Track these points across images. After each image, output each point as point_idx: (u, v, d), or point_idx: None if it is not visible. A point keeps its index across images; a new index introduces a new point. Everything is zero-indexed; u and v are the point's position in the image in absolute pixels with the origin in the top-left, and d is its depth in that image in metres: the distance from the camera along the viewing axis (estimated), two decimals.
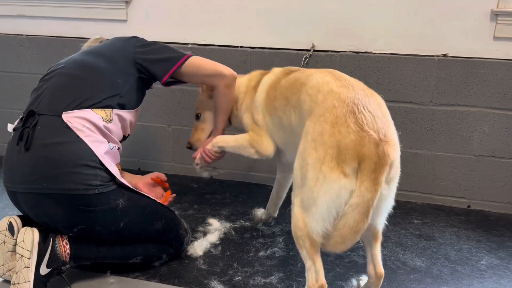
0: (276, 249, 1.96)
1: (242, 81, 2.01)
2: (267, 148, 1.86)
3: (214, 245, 1.99)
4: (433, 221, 2.32)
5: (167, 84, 1.91)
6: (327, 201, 1.28)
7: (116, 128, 1.77)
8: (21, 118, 1.69)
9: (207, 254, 1.92)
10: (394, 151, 1.30)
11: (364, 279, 1.69)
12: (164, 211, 1.79)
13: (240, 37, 2.64)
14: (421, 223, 2.29)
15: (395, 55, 2.44)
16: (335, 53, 2.50)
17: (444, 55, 2.39)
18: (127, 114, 1.80)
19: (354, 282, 1.72)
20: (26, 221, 1.64)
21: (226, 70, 1.91)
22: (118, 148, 1.79)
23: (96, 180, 1.57)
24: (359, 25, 2.47)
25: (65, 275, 1.63)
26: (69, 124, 1.60)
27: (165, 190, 2.11)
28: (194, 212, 2.33)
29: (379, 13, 2.43)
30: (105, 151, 1.65)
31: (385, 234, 2.09)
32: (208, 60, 1.92)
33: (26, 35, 2.94)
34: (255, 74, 2.03)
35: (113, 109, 1.74)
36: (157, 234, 1.76)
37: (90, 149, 1.59)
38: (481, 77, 2.35)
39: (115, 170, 1.66)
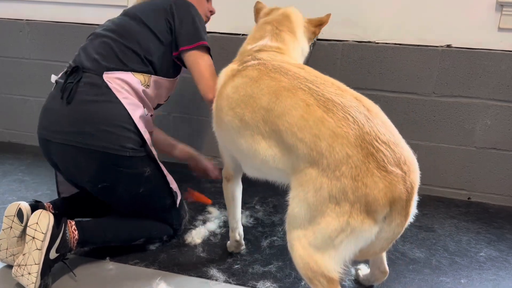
0: (275, 238, 1.96)
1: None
2: (226, 168, 1.72)
3: (213, 234, 1.99)
4: (432, 212, 2.32)
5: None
6: (352, 248, 1.22)
7: (152, 94, 1.82)
8: (65, 72, 1.75)
9: (206, 242, 1.92)
10: (417, 175, 1.24)
11: (362, 269, 1.69)
12: (170, 188, 1.83)
13: (243, 25, 2.61)
14: (421, 214, 2.29)
15: (398, 45, 2.42)
16: (338, 42, 2.47)
17: (448, 46, 2.37)
18: (164, 81, 1.85)
19: (353, 271, 1.72)
20: (35, 208, 1.66)
21: (202, 92, 1.78)
22: (151, 115, 1.86)
23: (129, 143, 1.65)
24: (362, 14, 2.44)
25: (67, 262, 1.64)
26: (109, 85, 1.67)
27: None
28: (194, 200, 2.32)
29: (383, 2, 2.40)
30: (140, 115, 1.71)
31: None
32: (205, 72, 1.78)
33: (26, 20, 2.92)
34: (240, 53, 1.72)
35: (151, 75, 1.79)
36: (164, 210, 1.82)
37: (127, 111, 1.66)
38: (484, 69, 2.33)
39: (147, 136, 1.72)
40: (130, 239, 1.79)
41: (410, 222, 2.14)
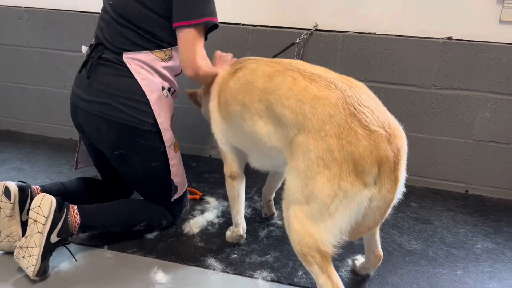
0: (273, 228, 1.97)
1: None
2: (230, 167, 1.74)
3: (211, 223, 2.00)
4: (430, 204, 2.32)
5: None
6: (347, 214, 1.22)
7: (175, 64, 1.84)
8: (90, 45, 1.84)
9: (204, 231, 1.93)
10: (404, 141, 1.26)
11: (359, 259, 1.70)
12: (183, 176, 1.90)
13: (240, 14, 2.59)
14: (419, 206, 2.29)
15: (399, 37, 2.40)
16: (338, 33, 2.46)
17: (449, 38, 2.35)
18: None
19: (350, 262, 1.73)
20: (22, 188, 1.70)
21: (184, 71, 1.73)
22: (174, 92, 1.90)
23: (149, 118, 1.74)
24: (363, 5, 2.42)
25: (68, 246, 1.64)
26: (129, 66, 1.73)
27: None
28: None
29: None
30: (156, 97, 1.76)
31: None
32: (188, 48, 1.68)
33: (25, 7, 2.89)
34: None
35: (172, 46, 1.80)
36: (168, 193, 1.85)
37: (143, 91, 1.73)
38: (485, 61, 2.32)
39: (161, 120, 1.76)
40: (131, 223, 1.80)
41: (408, 214, 2.16)
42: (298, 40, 2.45)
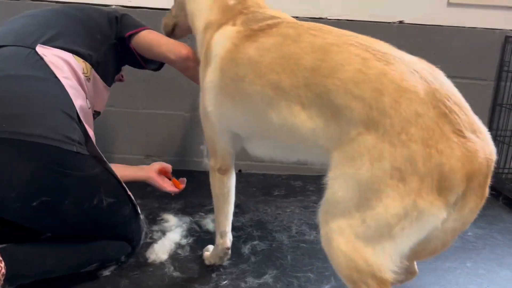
0: (256, 242, 1.64)
1: (202, 9, 1.38)
2: (222, 158, 1.36)
3: (180, 245, 1.60)
4: None
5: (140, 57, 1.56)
6: (414, 238, 0.95)
7: (91, 92, 1.36)
8: None
9: (174, 257, 1.53)
10: (493, 149, 0.98)
11: None
12: (129, 195, 1.39)
13: None
14: None
15: (351, 21, 2.27)
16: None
17: (400, 22, 2.28)
18: (100, 84, 1.40)
19: None
20: None
21: (173, 54, 1.44)
22: (94, 113, 1.41)
23: (75, 134, 1.16)
24: None
25: None
26: (45, 58, 1.19)
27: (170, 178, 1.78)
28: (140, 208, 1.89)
29: None
30: (81, 105, 1.24)
31: None
32: (162, 38, 1.48)
33: None
34: (213, 12, 1.35)
35: (93, 67, 1.34)
36: (123, 223, 1.38)
37: (68, 95, 1.19)
38: (437, 45, 2.28)
39: (91, 133, 1.26)
40: (79, 265, 1.31)
41: None
42: None
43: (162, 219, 1.77)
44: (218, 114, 1.28)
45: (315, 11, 2.26)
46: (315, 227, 1.78)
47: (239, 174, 2.40)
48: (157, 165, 1.71)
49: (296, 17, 2.18)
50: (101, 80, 1.41)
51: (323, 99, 1.03)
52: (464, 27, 2.28)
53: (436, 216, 0.93)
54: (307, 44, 1.08)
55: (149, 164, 1.78)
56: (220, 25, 1.29)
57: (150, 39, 1.45)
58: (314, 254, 1.57)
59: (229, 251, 1.46)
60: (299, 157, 1.25)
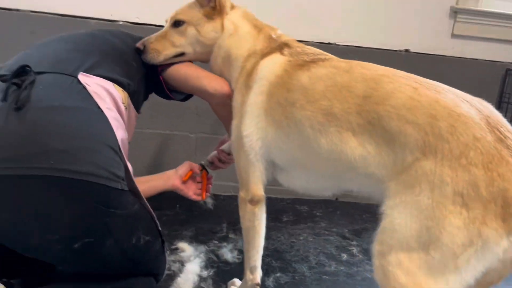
0: (278, 274, 1.61)
1: (247, 36, 1.37)
2: (254, 188, 1.30)
3: (202, 278, 1.54)
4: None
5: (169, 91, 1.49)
6: (478, 268, 0.93)
7: (127, 121, 1.28)
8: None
9: None
10: None
11: None
12: (159, 229, 1.31)
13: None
14: None
15: (359, 48, 2.29)
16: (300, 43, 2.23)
17: (406, 51, 2.32)
18: (133, 113, 1.32)
19: None
20: None
21: (213, 88, 1.38)
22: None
23: (119, 170, 1.08)
24: (322, 15, 2.25)
25: None
26: (88, 88, 1.10)
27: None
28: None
29: (343, 5, 2.25)
30: (122, 137, 1.17)
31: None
32: (201, 71, 1.42)
33: None
34: (259, 43, 1.35)
35: (129, 97, 1.27)
36: (155, 258, 1.29)
37: (112, 127, 1.11)
38: (441, 74, 2.32)
39: (129, 165, 1.18)
40: None
41: None
42: None
43: (177, 249, 1.70)
44: (257, 139, 1.25)
45: (324, 36, 2.27)
46: (332, 257, 1.77)
47: None
48: (182, 170, 1.61)
49: (305, 42, 2.22)
50: (133, 109, 1.35)
51: (375, 126, 1.04)
52: (467, 58, 2.35)
53: (501, 245, 0.91)
54: (358, 75, 1.11)
55: None
56: (265, 53, 1.31)
57: (187, 71, 1.39)
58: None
59: None
60: (344, 187, 1.23)
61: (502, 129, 0.94)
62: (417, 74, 2.26)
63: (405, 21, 2.29)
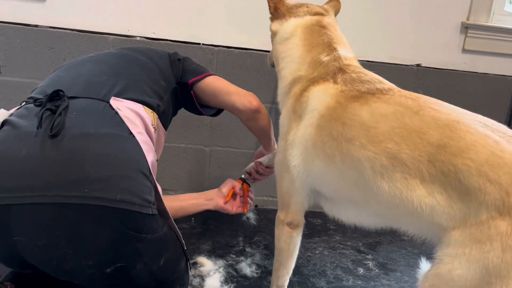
0: None
1: (291, 60, 1.34)
2: (293, 212, 1.30)
3: None
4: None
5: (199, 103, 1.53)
6: None
7: (156, 141, 1.30)
8: (34, 101, 1.15)
9: None
10: None
11: None
12: (185, 249, 1.33)
13: (200, 33, 2.21)
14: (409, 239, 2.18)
15: (372, 62, 2.31)
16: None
17: (418, 65, 2.35)
18: (162, 132, 1.33)
19: None
20: None
21: (242, 104, 1.41)
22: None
23: (151, 195, 1.10)
24: None
25: None
26: (120, 113, 1.13)
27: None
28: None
29: (355, 20, 2.28)
30: (152, 160, 1.19)
31: (389, 258, 1.92)
32: (230, 86, 1.46)
33: None
34: (300, 72, 1.30)
35: (159, 117, 1.28)
36: (180, 277, 1.31)
37: (143, 152, 1.12)
38: (453, 89, 2.37)
39: (160, 188, 1.20)
40: None
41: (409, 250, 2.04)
42: None
43: (196, 263, 1.72)
44: (304, 171, 1.23)
45: None
46: (349, 272, 1.78)
47: (256, 209, 2.37)
48: (225, 189, 1.63)
49: None
50: (162, 128, 1.37)
51: (449, 178, 1.00)
52: (478, 73, 2.38)
53: None
54: (430, 119, 1.05)
55: None
56: (313, 80, 1.25)
57: (216, 86, 1.42)
58: None
59: None
60: (397, 226, 1.18)
61: None
62: (428, 89, 2.30)
63: (417, 36, 2.32)
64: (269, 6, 1.44)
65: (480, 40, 2.33)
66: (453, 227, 0.99)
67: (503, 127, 1.05)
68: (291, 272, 1.39)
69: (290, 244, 1.33)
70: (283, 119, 1.31)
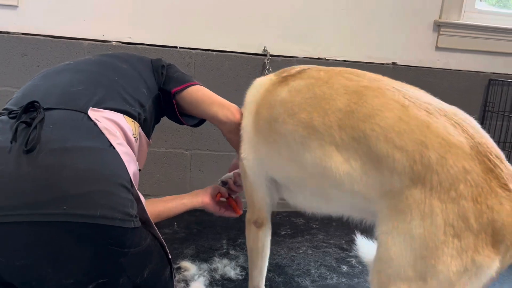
0: None
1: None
2: (258, 210, 1.32)
3: None
4: None
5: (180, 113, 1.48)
6: None
7: (137, 151, 1.26)
8: (3, 114, 1.11)
9: None
10: None
11: None
12: (169, 257, 1.30)
13: (177, 36, 2.20)
14: None
15: (349, 62, 2.35)
16: (291, 58, 2.27)
17: (393, 64, 2.39)
18: (145, 141, 1.30)
19: None
20: None
21: (224, 116, 1.38)
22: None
23: (133, 208, 1.06)
24: (311, 31, 2.30)
25: None
26: (99, 124, 1.08)
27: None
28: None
29: (332, 21, 2.31)
30: (133, 171, 1.15)
31: None
32: (214, 96, 1.43)
33: None
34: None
35: (140, 126, 1.25)
36: (164, 285, 1.27)
37: (124, 164, 1.08)
38: (429, 86, 2.34)
39: (141, 196, 1.17)
40: None
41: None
42: (268, 66, 2.18)
43: (180, 268, 1.70)
44: (253, 160, 1.27)
45: (314, 52, 2.32)
46: (333, 269, 1.79)
47: None
48: (211, 189, 1.57)
49: (296, 58, 2.28)
50: (145, 136, 1.35)
51: (360, 144, 1.01)
52: (451, 69, 2.43)
53: (493, 268, 0.94)
54: (338, 85, 1.09)
55: None
56: (259, 82, 1.33)
57: (200, 96, 1.39)
58: None
59: None
60: (337, 208, 1.21)
61: (491, 156, 0.94)
62: None
63: (392, 35, 2.36)
64: None
65: (452, 37, 2.39)
66: (377, 199, 1.01)
67: (418, 92, 1.08)
68: (264, 273, 1.39)
69: (257, 243, 1.34)
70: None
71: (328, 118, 1.06)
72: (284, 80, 1.22)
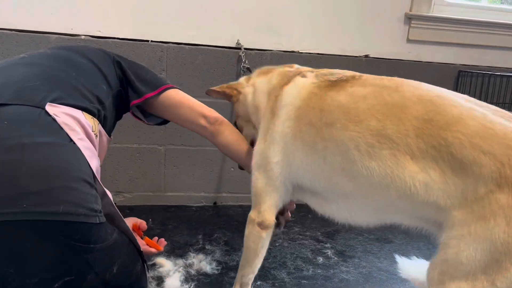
0: (258, 282, 1.62)
1: (263, 84, 1.39)
2: (266, 212, 1.27)
3: None
4: None
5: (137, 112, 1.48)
6: None
7: (98, 147, 1.24)
8: None
9: None
10: None
11: None
12: (140, 250, 1.29)
13: (148, 30, 2.16)
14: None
15: (322, 55, 2.36)
16: (265, 52, 2.27)
17: (366, 56, 2.41)
18: (105, 138, 1.27)
19: None
20: None
21: (205, 119, 1.41)
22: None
23: (97, 203, 1.05)
24: (285, 24, 2.30)
25: None
26: (57, 119, 1.06)
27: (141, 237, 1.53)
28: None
29: (304, 13, 2.31)
30: (96, 165, 1.13)
31: (347, 245, 1.97)
32: (191, 101, 1.43)
33: None
34: (274, 79, 1.36)
35: (100, 123, 1.22)
36: (137, 279, 1.27)
37: (86, 159, 1.07)
38: (399, 77, 2.43)
39: (109, 193, 1.16)
40: None
41: (366, 236, 2.07)
42: (244, 59, 2.17)
43: (155, 264, 1.68)
44: (286, 166, 1.22)
45: (287, 45, 2.32)
46: (309, 261, 1.80)
47: (214, 207, 2.36)
48: (130, 220, 1.52)
49: (270, 51, 2.27)
50: (105, 133, 1.31)
51: (441, 152, 0.98)
52: (422, 61, 2.47)
53: None
54: (411, 94, 1.05)
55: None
56: (283, 84, 1.28)
57: (178, 100, 1.39)
58: None
59: None
60: (390, 217, 1.16)
61: None
62: None
63: (364, 28, 2.38)
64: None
65: (423, 30, 2.43)
66: (453, 207, 0.98)
67: (486, 103, 1.07)
68: (256, 271, 1.37)
69: (258, 244, 1.31)
70: (261, 126, 1.31)
71: (404, 126, 1.02)
72: (335, 84, 1.17)
